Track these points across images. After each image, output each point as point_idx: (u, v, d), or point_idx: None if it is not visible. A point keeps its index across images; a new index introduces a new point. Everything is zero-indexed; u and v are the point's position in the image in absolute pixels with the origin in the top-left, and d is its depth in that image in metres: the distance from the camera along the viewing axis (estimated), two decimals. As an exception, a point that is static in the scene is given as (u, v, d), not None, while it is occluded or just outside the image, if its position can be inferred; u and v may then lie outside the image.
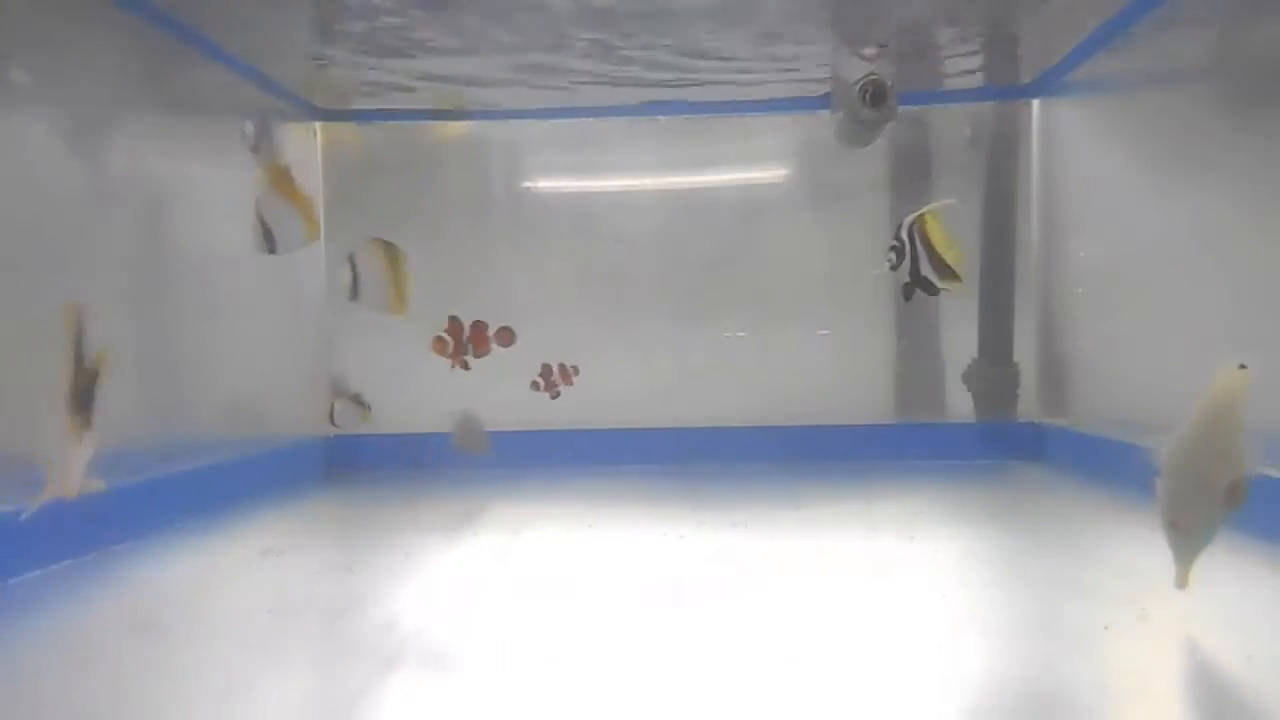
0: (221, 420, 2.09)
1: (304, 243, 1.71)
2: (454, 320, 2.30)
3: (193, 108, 2.05)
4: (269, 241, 1.94)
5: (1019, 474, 2.42)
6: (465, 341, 2.30)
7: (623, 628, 1.17)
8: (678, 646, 1.09)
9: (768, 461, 2.57)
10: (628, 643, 1.11)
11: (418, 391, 2.62)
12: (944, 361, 2.69)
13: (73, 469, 1.17)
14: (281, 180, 1.67)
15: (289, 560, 1.59)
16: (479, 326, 2.30)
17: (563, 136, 2.74)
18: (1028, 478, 2.37)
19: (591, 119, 2.70)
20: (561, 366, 2.47)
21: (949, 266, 1.74)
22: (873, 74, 2.15)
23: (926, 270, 1.73)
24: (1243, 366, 1.02)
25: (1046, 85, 2.52)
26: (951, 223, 2.60)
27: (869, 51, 2.26)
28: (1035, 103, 2.59)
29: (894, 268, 1.76)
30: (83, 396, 1.17)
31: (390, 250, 2.00)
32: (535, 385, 2.50)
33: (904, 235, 1.76)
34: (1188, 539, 1.08)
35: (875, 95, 2.14)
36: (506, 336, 2.31)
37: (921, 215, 1.74)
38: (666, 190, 2.76)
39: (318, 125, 2.69)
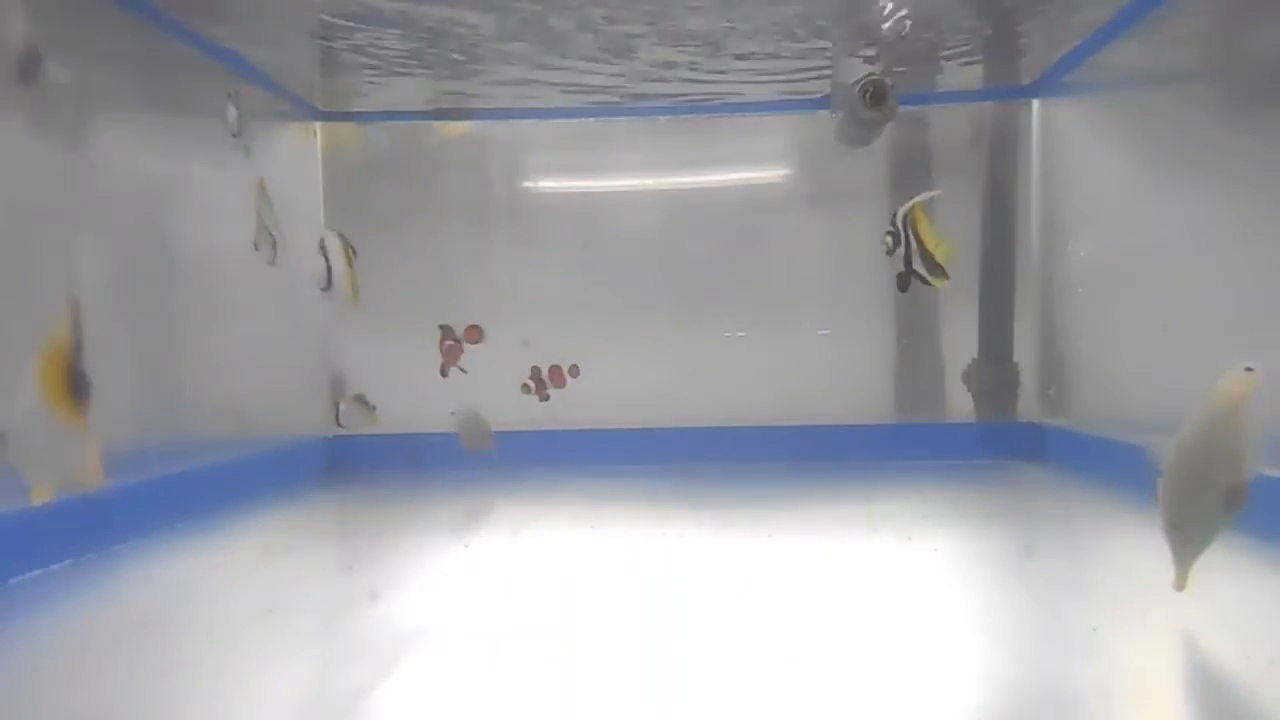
0: (221, 420, 2.09)
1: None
2: (446, 329, 2.34)
3: (193, 107, 2.06)
4: (274, 253, 1.96)
5: (1019, 474, 2.42)
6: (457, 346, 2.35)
7: (623, 628, 1.17)
8: (678, 646, 1.09)
9: (768, 461, 2.57)
10: (629, 643, 1.11)
11: (417, 392, 2.63)
12: (944, 361, 2.69)
13: (89, 460, 1.18)
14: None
15: (290, 560, 1.60)
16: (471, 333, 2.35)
17: (563, 136, 2.74)
18: (1028, 478, 2.37)
19: (591, 119, 2.70)
20: (554, 368, 2.48)
21: (938, 264, 1.76)
22: (873, 74, 2.15)
23: (917, 265, 1.75)
24: (1249, 369, 1.02)
25: (1046, 85, 2.52)
26: (951, 221, 2.65)
27: (869, 52, 2.26)
28: (1035, 103, 2.59)
29: (889, 253, 1.78)
30: (82, 389, 1.18)
31: (345, 241, 2.04)
32: (526, 388, 2.51)
33: (899, 223, 1.78)
34: (1187, 541, 1.08)
35: (875, 95, 2.14)
36: (474, 334, 2.34)
37: (912, 208, 1.76)
38: (666, 190, 2.76)
39: (318, 125, 2.69)
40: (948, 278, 1.86)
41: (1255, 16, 1.59)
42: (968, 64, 2.44)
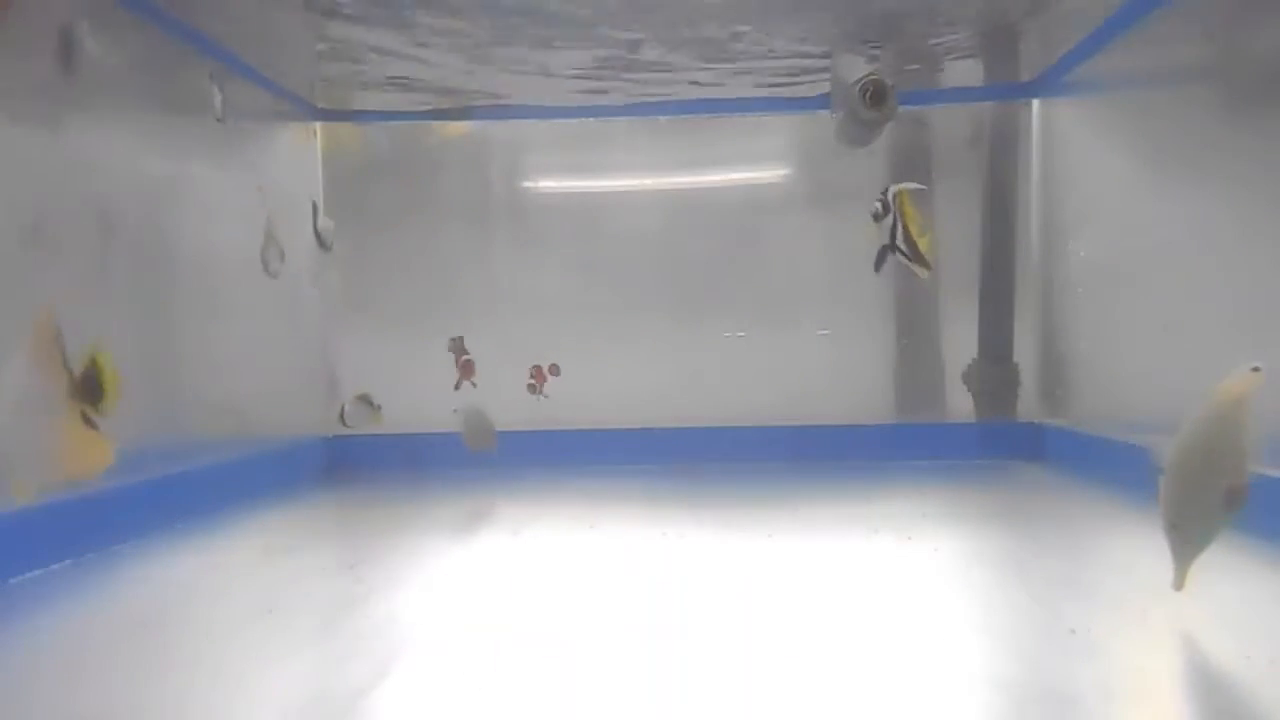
0: (221, 420, 2.09)
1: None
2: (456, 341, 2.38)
3: (193, 106, 2.06)
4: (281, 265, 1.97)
5: (1019, 474, 2.42)
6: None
7: (623, 628, 1.17)
8: (678, 646, 1.09)
9: (768, 461, 2.57)
10: (629, 643, 1.11)
11: (416, 392, 2.63)
12: (944, 361, 2.69)
13: (84, 452, 1.17)
14: None
15: (290, 560, 1.60)
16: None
17: (563, 136, 2.74)
18: (1028, 478, 2.37)
19: (591, 119, 2.70)
20: (536, 368, 2.50)
21: (920, 252, 1.78)
22: (873, 74, 2.15)
23: (901, 243, 1.77)
24: (1256, 369, 1.01)
25: (1046, 85, 2.52)
26: (951, 221, 2.65)
27: (868, 53, 2.27)
28: (1035, 103, 2.59)
29: (877, 219, 1.79)
30: (87, 384, 1.17)
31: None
32: (531, 388, 2.52)
33: (889, 198, 1.79)
34: (1186, 540, 1.08)
35: (875, 95, 2.14)
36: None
37: (902, 190, 1.78)
38: (666, 190, 2.76)
39: (318, 125, 2.69)
40: (929, 268, 1.88)
41: (1255, 16, 1.59)
42: (968, 65, 2.44)
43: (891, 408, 2.70)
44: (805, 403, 2.65)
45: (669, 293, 2.72)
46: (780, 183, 2.78)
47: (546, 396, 2.65)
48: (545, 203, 2.80)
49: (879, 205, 1.85)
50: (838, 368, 2.67)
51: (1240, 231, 1.63)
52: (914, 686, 0.94)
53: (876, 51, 2.26)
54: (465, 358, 2.52)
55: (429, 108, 2.65)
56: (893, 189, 1.81)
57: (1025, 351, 2.64)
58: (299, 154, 2.61)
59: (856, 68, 2.24)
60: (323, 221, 2.27)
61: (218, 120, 2.07)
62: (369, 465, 2.65)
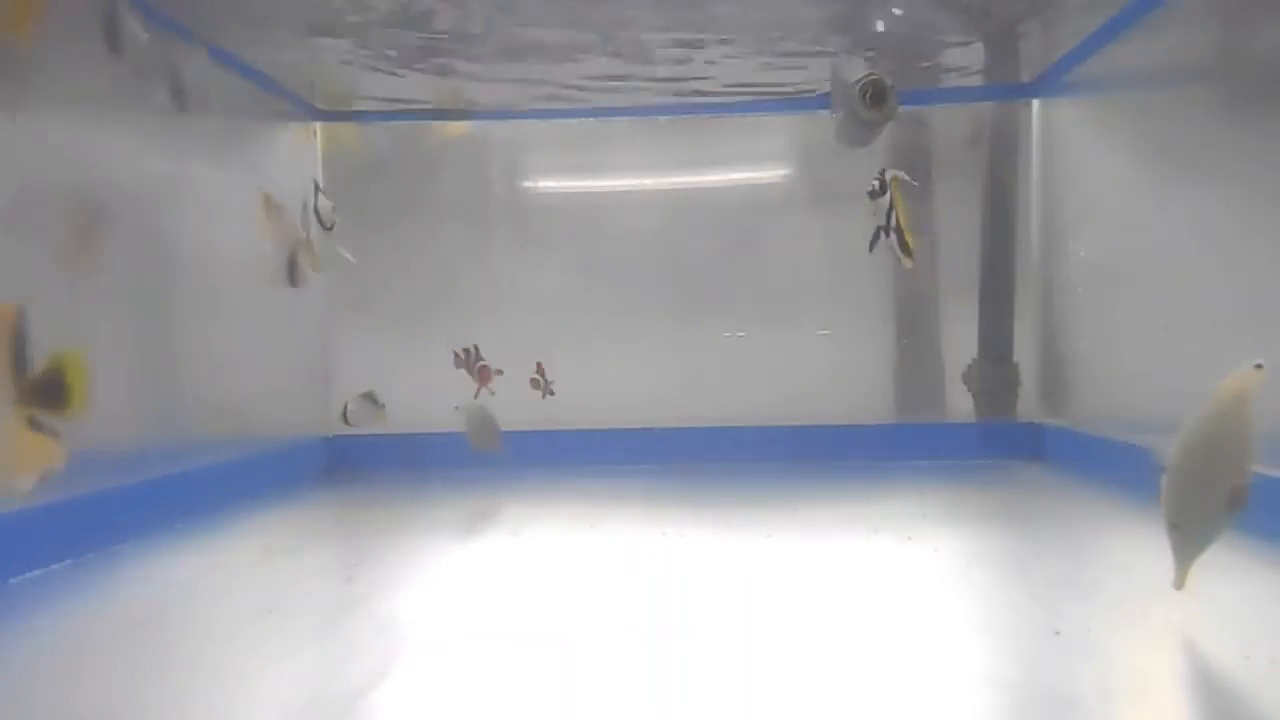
0: (221, 420, 2.09)
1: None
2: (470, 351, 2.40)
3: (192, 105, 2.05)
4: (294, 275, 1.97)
5: (1019, 474, 2.42)
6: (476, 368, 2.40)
7: (623, 628, 1.17)
8: (678, 646, 1.09)
9: (768, 461, 2.57)
10: (629, 643, 1.11)
11: (416, 392, 2.63)
12: (944, 361, 2.69)
13: (26, 456, 1.17)
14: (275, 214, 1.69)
15: (290, 560, 1.60)
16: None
17: (563, 136, 2.74)
18: (1028, 478, 2.37)
19: (591, 119, 2.70)
20: (482, 368, 2.52)
21: (906, 241, 1.80)
22: (873, 74, 2.15)
23: (892, 227, 1.78)
24: (1259, 366, 1.01)
25: (1046, 85, 2.52)
26: (951, 221, 2.65)
27: (868, 53, 2.27)
28: (1035, 103, 2.59)
29: (874, 197, 1.80)
30: (41, 390, 1.16)
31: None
32: (534, 383, 2.53)
33: (886, 178, 1.80)
34: (1187, 540, 1.08)
35: (875, 95, 2.14)
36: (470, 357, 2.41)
37: (895, 176, 1.79)
38: (666, 190, 2.76)
39: (318, 125, 2.69)
40: (912, 260, 1.90)
41: (1255, 16, 1.59)
42: (968, 65, 2.44)
43: (891, 408, 2.70)
44: (805, 403, 2.65)
45: (669, 293, 2.72)
46: (780, 183, 2.78)
47: (553, 393, 2.65)
48: (545, 203, 2.80)
49: (875, 184, 1.86)
50: (838, 368, 2.67)
51: (1240, 231, 1.63)
52: (914, 687, 0.94)
53: (876, 51, 2.27)
54: (481, 364, 2.52)
55: (429, 108, 2.65)
56: (888, 172, 1.82)
57: (1025, 351, 2.64)
58: (299, 154, 2.61)
59: (856, 68, 2.24)
60: (322, 201, 2.26)
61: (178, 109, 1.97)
62: (369, 465, 2.65)
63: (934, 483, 2.30)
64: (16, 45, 1.40)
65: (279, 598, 1.35)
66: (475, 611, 1.27)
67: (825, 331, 2.69)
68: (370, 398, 2.52)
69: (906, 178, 1.85)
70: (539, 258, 2.75)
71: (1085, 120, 2.35)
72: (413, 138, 2.75)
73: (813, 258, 2.70)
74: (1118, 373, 2.14)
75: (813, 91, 2.49)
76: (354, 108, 2.67)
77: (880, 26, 2.12)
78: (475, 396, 2.51)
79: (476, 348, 2.56)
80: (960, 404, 2.67)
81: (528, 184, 2.79)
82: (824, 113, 2.59)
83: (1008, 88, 2.60)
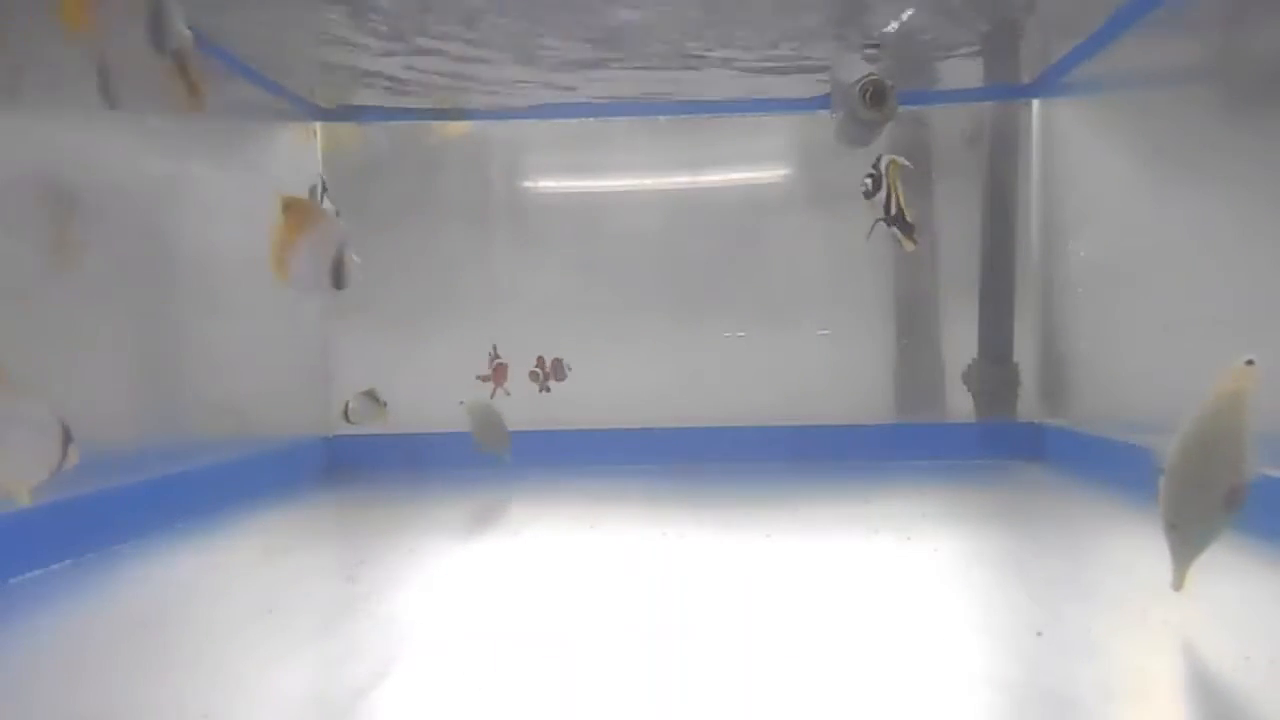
0: (221, 420, 2.09)
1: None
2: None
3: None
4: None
5: (1019, 474, 2.42)
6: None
7: (623, 628, 1.17)
8: (678, 646, 1.09)
9: (768, 461, 2.57)
10: (628, 643, 1.11)
11: (416, 392, 2.62)
12: (944, 361, 2.69)
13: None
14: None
15: (290, 560, 1.60)
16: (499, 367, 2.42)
17: (563, 136, 2.74)
18: (1028, 478, 2.37)
19: (591, 119, 2.70)
20: (541, 359, 2.51)
21: (908, 223, 1.78)
22: (873, 74, 2.15)
23: (895, 210, 1.77)
24: (1250, 362, 1.01)
25: (1046, 85, 2.52)
26: (951, 221, 2.65)
27: (868, 52, 2.26)
28: (1035, 103, 2.59)
29: (868, 195, 1.79)
30: None
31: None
32: (534, 375, 2.52)
33: (882, 169, 1.79)
34: (1186, 540, 1.07)
35: (875, 95, 2.14)
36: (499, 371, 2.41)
37: (893, 161, 1.78)
38: (666, 190, 2.76)
39: (318, 125, 2.69)
40: (915, 243, 1.88)
41: (1255, 16, 1.59)
42: (968, 65, 2.44)
43: (891, 408, 2.70)
44: (805, 403, 2.65)
45: (669, 293, 2.72)
46: (780, 183, 2.78)
47: (549, 389, 2.64)
48: (545, 203, 2.80)
49: (869, 181, 1.85)
50: (838, 368, 2.67)
51: (1240, 231, 1.63)
52: (914, 687, 0.94)
53: (874, 52, 2.27)
54: (499, 361, 2.52)
55: (429, 107, 2.65)
56: (885, 159, 1.80)
57: (1025, 351, 2.64)
58: (299, 154, 2.61)
59: (856, 68, 2.24)
60: (326, 203, 2.25)
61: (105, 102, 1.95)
62: (369, 465, 2.65)
63: (934, 483, 2.30)
64: (79, 37, 1.40)
65: (279, 598, 1.35)
66: (475, 611, 1.27)
67: (825, 331, 2.69)
68: (372, 395, 2.52)
69: (905, 162, 1.83)
70: (539, 258, 2.75)
71: (1085, 120, 2.35)
72: (413, 138, 2.75)
73: (813, 258, 2.70)
74: (1118, 373, 2.14)
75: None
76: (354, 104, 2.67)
77: (891, 27, 2.11)
78: (492, 396, 2.51)
79: (495, 346, 2.56)
80: (960, 404, 2.67)
81: (528, 184, 2.79)
82: (824, 113, 2.59)
83: (1008, 88, 2.59)
